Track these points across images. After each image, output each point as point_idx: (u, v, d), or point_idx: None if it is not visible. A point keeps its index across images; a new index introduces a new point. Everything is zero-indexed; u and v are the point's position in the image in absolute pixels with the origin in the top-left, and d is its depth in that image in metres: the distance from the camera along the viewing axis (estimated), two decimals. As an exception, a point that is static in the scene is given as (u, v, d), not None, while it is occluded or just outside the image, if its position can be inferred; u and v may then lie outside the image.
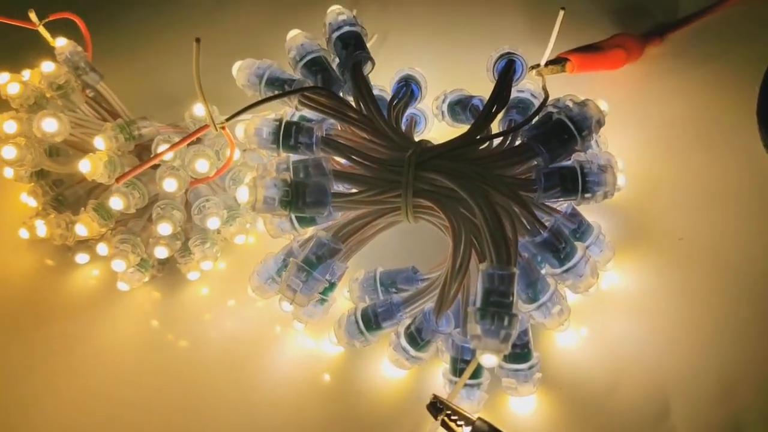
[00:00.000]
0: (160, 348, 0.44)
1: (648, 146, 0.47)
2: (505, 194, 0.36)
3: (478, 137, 0.38)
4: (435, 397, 0.35)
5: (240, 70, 0.40)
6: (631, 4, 0.55)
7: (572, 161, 0.37)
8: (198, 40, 0.31)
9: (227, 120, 0.37)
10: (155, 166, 0.41)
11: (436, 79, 0.46)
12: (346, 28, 0.40)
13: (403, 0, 0.58)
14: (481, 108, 0.41)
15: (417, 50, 0.55)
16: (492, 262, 0.33)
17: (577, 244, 0.36)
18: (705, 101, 0.48)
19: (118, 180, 0.35)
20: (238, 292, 0.44)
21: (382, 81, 0.44)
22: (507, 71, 0.40)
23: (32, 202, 0.47)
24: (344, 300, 0.42)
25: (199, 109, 0.41)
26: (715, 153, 0.46)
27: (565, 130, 0.36)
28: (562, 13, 0.40)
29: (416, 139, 0.44)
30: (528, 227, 0.36)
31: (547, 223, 0.36)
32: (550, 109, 0.39)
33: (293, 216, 0.37)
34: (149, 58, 0.59)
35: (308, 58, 0.40)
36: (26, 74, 0.46)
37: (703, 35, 0.51)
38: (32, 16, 0.43)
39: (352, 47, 0.40)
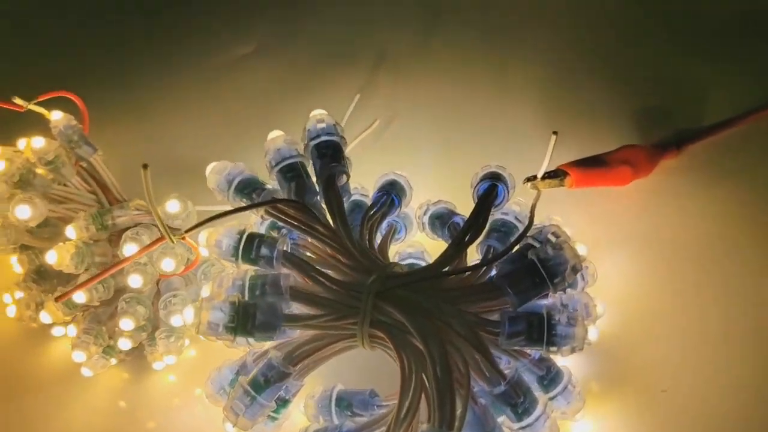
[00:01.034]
0: (129, 428, 0.44)
1: (646, 274, 0.43)
2: (463, 336, 0.34)
3: (445, 269, 0.36)
4: None
5: (212, 173, 0.39)
6: (651, 106, 0.51)
7: (543, 306, 0.34)
8: (145, 167, 0.31)
9: (186, 232, 0.36)
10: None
11: (432, 176, 0.44)
12: (324, 138, 0.39)
13: (412, 85, 0.56)
14: (461, 227, 0.39)
15: (419, 141, 0.53)
16: (433, 424, 0.31)
17: (539, 396, 0.34)
18: (720, 227, 0.44)
19: (57, 299, 0.35)
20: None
21: (379, 171, 0.42)
22: (487, 196, 0.38)
23: (19, 268, 0.48)
24: (300, 414, 0.40)
25: (171, 206, 0.40)
26: (721, 290, 0.42)
27: (536, 273, 0.34)
28: (554, 138, 0.38)
29: (395, 248, 0.43)
30: (486, 374, 0.34)
31: (507, 372, 0.34)
32: (530, 240, 0.37)
33: (246, 333, 0.36)
34: (152, 125, 0.59)
35: (284, 164, 0.39)
36: (22, 142, 0.47)
37: (724, 149, 0.47)
38: (18, 101, 0.43)
39: (328, 159, 0.38)
